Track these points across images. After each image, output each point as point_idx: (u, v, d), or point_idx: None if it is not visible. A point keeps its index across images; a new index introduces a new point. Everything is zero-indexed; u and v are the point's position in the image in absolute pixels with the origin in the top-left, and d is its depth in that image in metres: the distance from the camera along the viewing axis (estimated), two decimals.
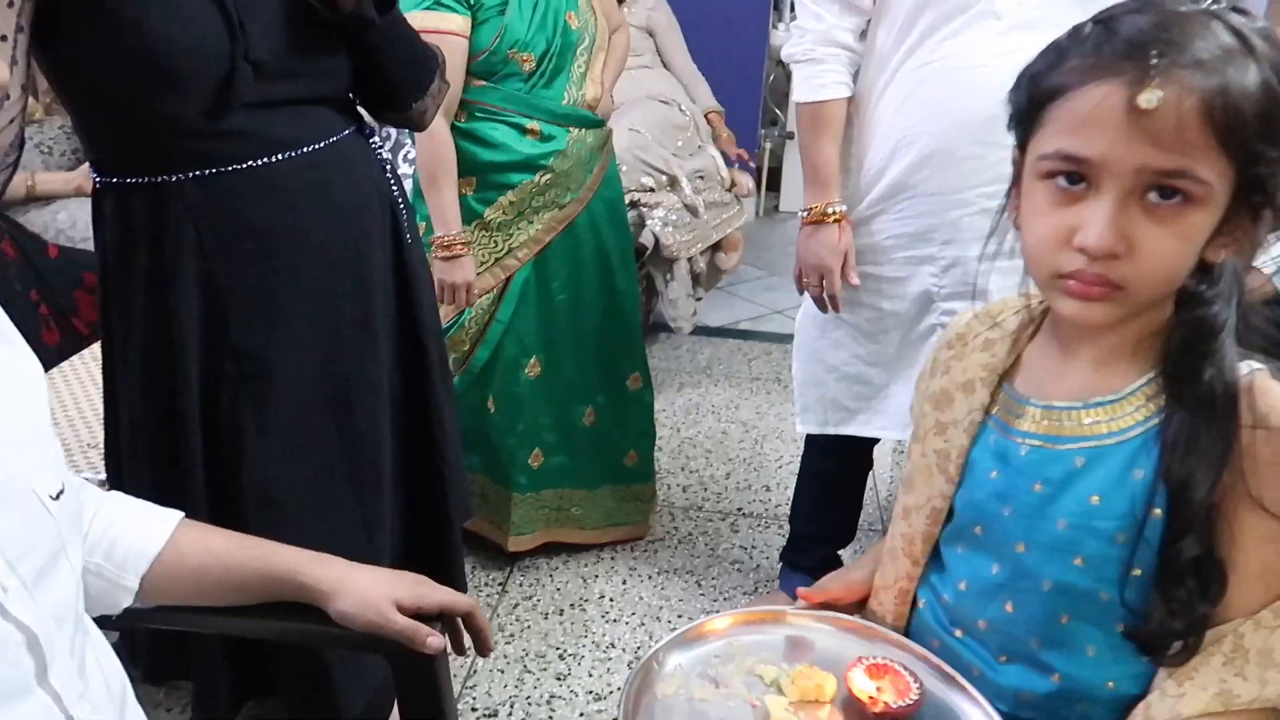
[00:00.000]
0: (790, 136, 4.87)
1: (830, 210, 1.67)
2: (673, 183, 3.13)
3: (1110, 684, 0.84)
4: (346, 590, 0.91)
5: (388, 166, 1.40)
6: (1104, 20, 0.75)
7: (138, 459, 1.31)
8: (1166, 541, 0.78)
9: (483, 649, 0.98)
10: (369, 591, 0.91)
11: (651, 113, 3.21)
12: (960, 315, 0.99)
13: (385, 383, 1.40)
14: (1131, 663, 0.83)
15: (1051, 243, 0.77)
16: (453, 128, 1.91)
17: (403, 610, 0.91)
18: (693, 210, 3.10)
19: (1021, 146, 0.82)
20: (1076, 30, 0.77)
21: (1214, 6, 0.73)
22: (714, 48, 3.66)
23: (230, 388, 1.25)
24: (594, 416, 2.24)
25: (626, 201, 2.38)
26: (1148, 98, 0.69)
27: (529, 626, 2.12)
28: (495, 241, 2.01)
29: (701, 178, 3.22)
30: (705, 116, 3.50)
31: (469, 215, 1.96)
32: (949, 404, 0.93)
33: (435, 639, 0.91)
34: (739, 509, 2.58)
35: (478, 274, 1.98)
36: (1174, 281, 0.78)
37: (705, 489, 2.66)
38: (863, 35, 1.64)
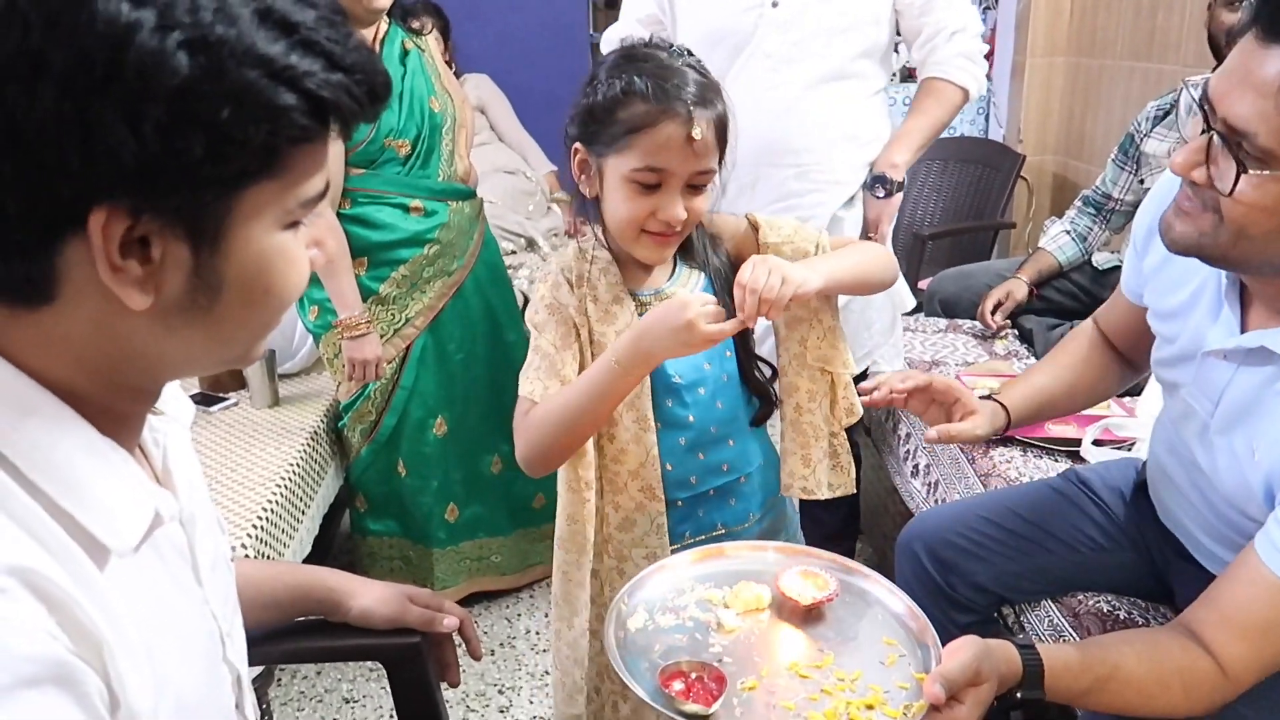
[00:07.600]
0: None
1: None
2: (530, 244, 3.34)
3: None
4: (367, 590, 1.05)
5: None
6: (643, 77, 1.14)
7: None
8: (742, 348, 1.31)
9: (474, 653, 1.13)
10: (387, 590, 1.06)
11: (499, 184, 3.40)
12: (544, 287, 1.29)
13: None
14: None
15: (640, 218, 1.18)
16: (339, 214, 2.05)
17: (415, 603, 1.06)
18: None
19: (595, 153, 1.20)
20: (625, 86, 1.15)
21: (687, 60, 1.18)
22: (542, 118, 3.79)
23: None
24: (500, 464, 2.39)
25: None
26: (696, 132, 1.13)
27: (464, 670, 2.20)
28: (392, 314, 2.14)
29: (556, 235, 3.44)
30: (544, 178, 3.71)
31: (364, 293, 2.08)
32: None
33: (451, 619, 1.07)
34: None
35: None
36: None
37: None
38: None
